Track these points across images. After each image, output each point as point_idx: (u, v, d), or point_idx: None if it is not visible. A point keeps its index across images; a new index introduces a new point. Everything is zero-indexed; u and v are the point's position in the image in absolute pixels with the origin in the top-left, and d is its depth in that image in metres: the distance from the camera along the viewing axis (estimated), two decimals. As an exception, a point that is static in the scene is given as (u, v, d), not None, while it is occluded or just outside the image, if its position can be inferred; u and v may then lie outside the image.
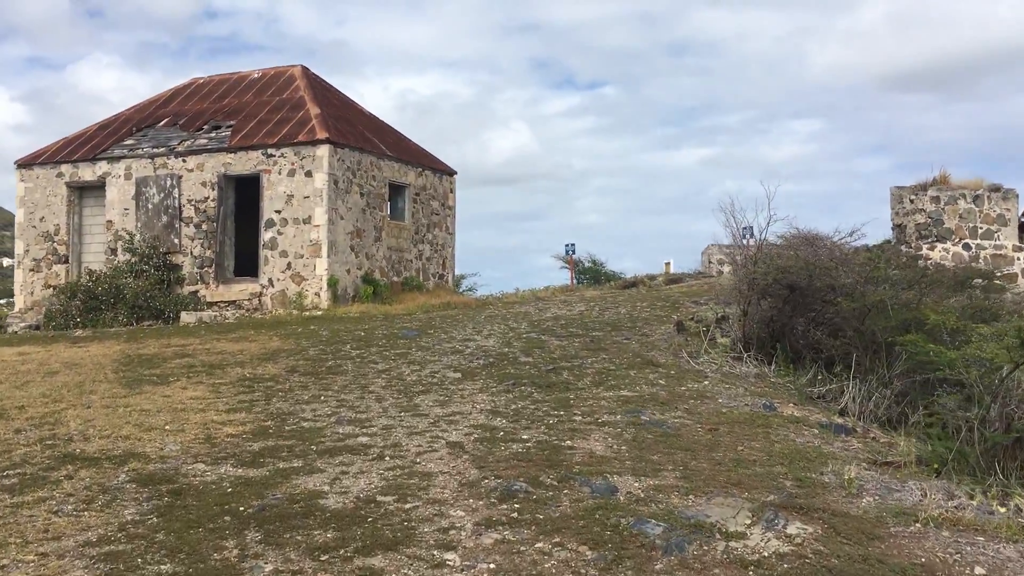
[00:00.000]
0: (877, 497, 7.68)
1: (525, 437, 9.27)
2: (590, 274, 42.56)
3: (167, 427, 9.96)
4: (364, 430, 9.61)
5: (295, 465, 8.39)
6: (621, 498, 7.35)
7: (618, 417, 10.22)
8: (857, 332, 13.41)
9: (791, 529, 6.71)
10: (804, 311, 14.59)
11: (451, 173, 28.53)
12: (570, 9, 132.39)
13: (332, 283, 23.24)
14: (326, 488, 7.68)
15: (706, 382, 12.40)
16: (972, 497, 7.91)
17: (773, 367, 13.82)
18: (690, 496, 7.41)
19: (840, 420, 10.63)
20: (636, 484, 7.71)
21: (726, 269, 41.08)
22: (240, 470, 8.29)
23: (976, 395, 10.90)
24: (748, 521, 6.85)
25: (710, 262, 40.45)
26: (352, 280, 24.11)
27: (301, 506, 7.22)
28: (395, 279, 25.73)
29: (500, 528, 6.66)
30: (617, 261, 42.50)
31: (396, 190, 26.26)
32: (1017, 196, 24.89)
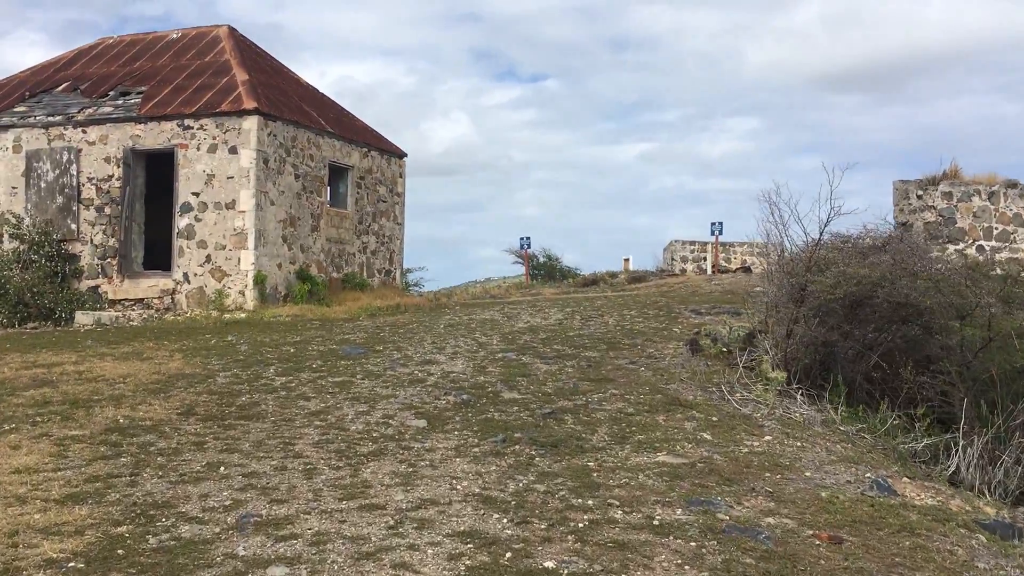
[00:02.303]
0: None
1: (549, 567, 5.43)
2: (545, 269, 38.88)
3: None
4: (281, 547, 5.67)
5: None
6: None
7: (679, 513, 6.44)
8: (964, 368, 9.84)
9: None
10: (863, 335, 10.99)
11: (401, 155, 24.51)
12: (512, 1, 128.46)
13: (260, 280, 19.12)
14: None
15: (768, 437, 8.70)
16: None
17: (833, 406, 10.20)
18: None
19: (1007, 516, 7.00)
20: None
21: (690, 267, 37.76)
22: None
23: None
24: None
25: (673, 259, 37.02)
26: (284, 276, 19.99)
27: None
28: (335, 275, 21.66)
29: None
30: (559, 255, 39.27)
31: (337, 173, 22.18)
32: (1040, 193, 21.76)
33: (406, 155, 24.62)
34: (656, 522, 6.20)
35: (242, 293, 19.07)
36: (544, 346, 13.29)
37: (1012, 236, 21.28)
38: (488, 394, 10.12)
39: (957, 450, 8.75)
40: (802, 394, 10.17)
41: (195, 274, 19.46)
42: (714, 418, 9.27)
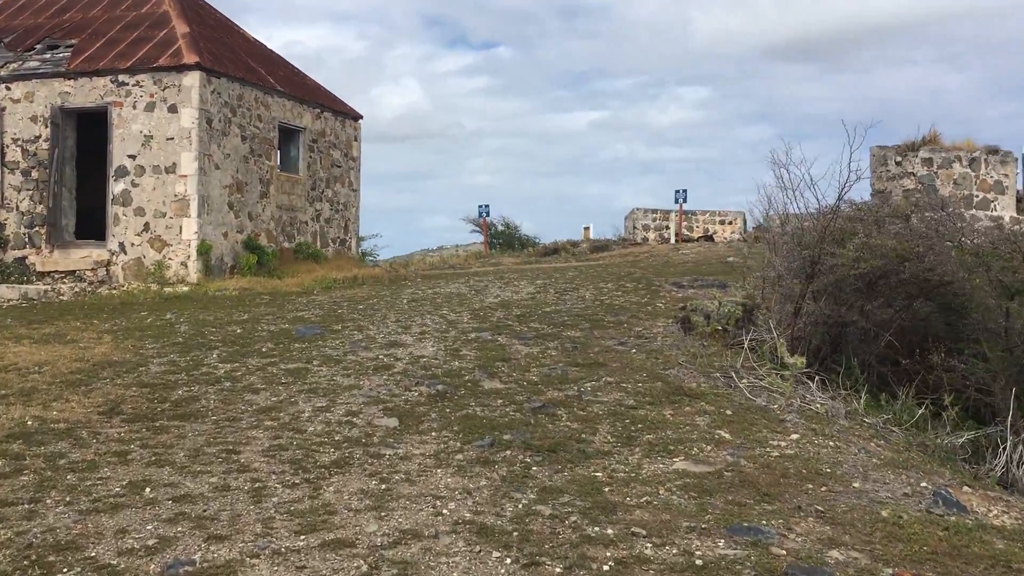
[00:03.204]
0: None
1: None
2: (503, 238, 37.43)
3: None
4: (220, 609, 4.25)
5: None
6: None
7: (721, 545, 5.13)
8: (1007, 353, 8.65)
9: None
10: (877, 312, 9.77)
11: (356, 117, 22.80)
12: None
13: (204, 250, 17.42)
14: None
15: (795, 435, 7.43)
16: None
17: (854, 394, 8.98)
18: None
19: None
20: None
21: (651, 236, 36.59)
22: None
23: None
24: None
25: (635, 227, 35.79)
26: (230, 246, 18.31)
27: None
28: (286, 245, 20.00)
29: None
30: (518, 223, 37.90)
31: (288, 135, 20.45)
32: (1016, 160, 20.86)
33: (362, 117, 22.93)
34: (698, 561, 4.88)
35: (184, 265, 17.37)
36: (520, 324, 11.90)
37: (992, 204, 20.34)
38: (466, 383, 8.72)
39: (1005, 446, 7.56)
40: (818, 381, 8.91)
41: (132, 244, 17.70)
42: (728, 411, 7.98)
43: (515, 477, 6.23)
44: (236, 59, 19.22)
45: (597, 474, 6.35)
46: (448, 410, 7.86)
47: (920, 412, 8.57)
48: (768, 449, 6.99)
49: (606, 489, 6.04)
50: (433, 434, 7.21)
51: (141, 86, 17.70)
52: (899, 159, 20.34)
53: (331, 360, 9.69)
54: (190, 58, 17.46)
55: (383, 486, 6.01)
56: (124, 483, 5.97)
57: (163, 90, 17.56)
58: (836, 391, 9.18)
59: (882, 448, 7.46)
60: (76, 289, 17.24)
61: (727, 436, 7.30)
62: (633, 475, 6.32)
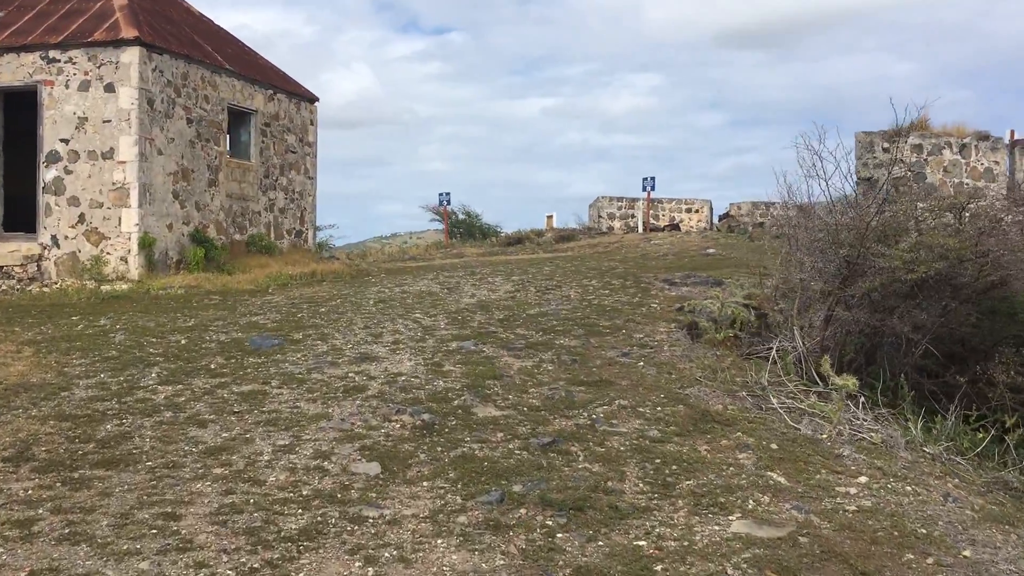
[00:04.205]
0: None
1: None
2: (464, 227, 35.89)
3: None
4: None
5: None
6: None
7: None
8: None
9: None
10: (916, 316, 8.49)
11: (312, 100, 21.07)
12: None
13: (146, 244, 15.67)
14: None
15: (862, 477, 6.10)
16: None
17: (906, 415, 7.70)
18: None
19: None
20: None
21: (617, 225, 35.29)
22: None
23: None
24: None
25: (600, 216, 34.45)
26: (176, 239, 16.57)
27: None
28: (237, 238, 18.28)
29: None
30: (479, 212, 36.42)
31: (238, 118, 18.70)
32: (1006, 147, 19.87)
33: (318, 100, 21.21)
34: None
35: (124, 260, 15.61)
36: (505, 330, 10.45)
37: (983, 193, 19.33)
38: (455, 410, 7.25)
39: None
40: (863, 401, 7.60)
41: (66, 237, 15.89)
42: (772, 444, 6.63)
43: (539, 552, 4.79)
44: (180, 34, 17.42)
45: (640, 543, 4.94)
46: (439, 448, 6.39)
47: (981, 437, 7.30)
48: (839, 500, 5.64)
49: (658, 568, 4.63)
50: (425, 484, 5.75)
51: (74, 63, 15.86)
52: (886, 145, 19.22)
53: (293, 379, 8.15)
54: (128, 32, 15.65)
55: (370, 570, 4.54)
56: (21, 576, 4.42)
57: (99, 67, 15.74)
58: (877, 410, 7.89)
59: (963, 492, 6.16)
60: (3, 287, 15.42)
61: (782, 480, 5.95)
62: (686, 544, 4.93)
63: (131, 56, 15.57)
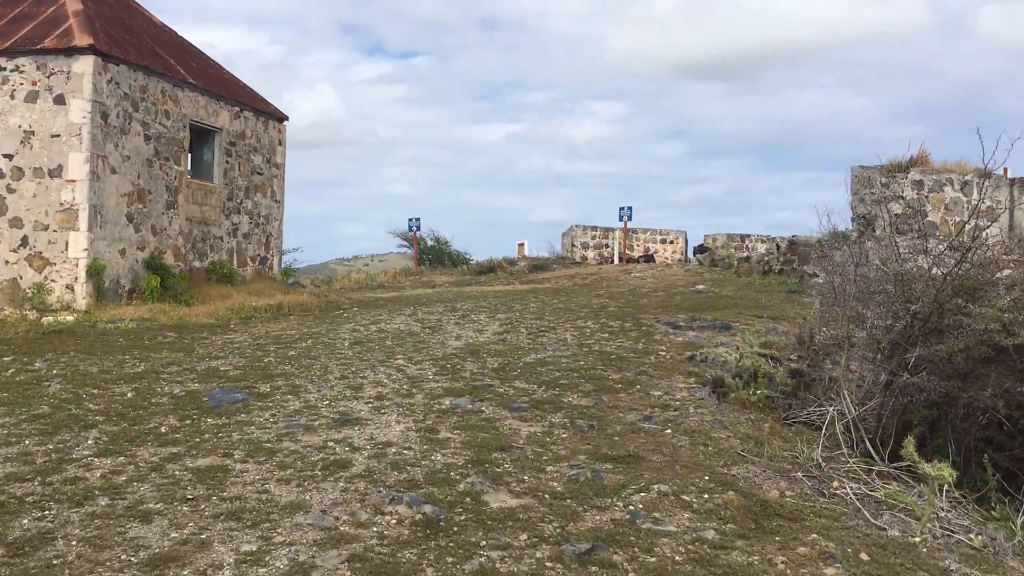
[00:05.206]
0: None
1: None
2: (432, 254, 34.44)
3: None
4: None
5: None
6: None
7: None
8: None
9: None
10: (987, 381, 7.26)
11: (280, 119, 19.58)
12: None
13: (95, 271, 14.06)
14: None
15: (984, 603, 4.79)
16: None
17: (1003, 506, 6.42)
18: None
19: None
20: None
21: (591, 255, 34.03)
22: None
23: None
24: None
25: (573, 245, 33.16)
26: (128, 266, 14.96)
27: None
28: (196, 265, 16.69)
29: None
30: (449, 238, 35.00)
31: (201, 136, 17.17)
32: (1008, 185, 18.97)
33: (287, 118, 19.73)
34: None
35: (71, 288, 13.97)
36: (503, 383, 9.05)
37: (984, 232, 18.36)
38: (462, 498, 5.82)
39: None
40: (947, 489, 6.31)
41: (6, 262, 14.21)
42: (862, 555, 5.29)
43: None
44: (139, 44, 15.89)
45: None
46: (450, 558, 4.96)
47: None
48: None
49: None
50: (439, 619, 4.31)
51: (21, 71, 14.28)
52: (885, 180, 18.21)
53: (260, 450, 6.67)
54: (82, 39, 14.12)
55: None
56: None
57: (48, 77, 14.17)
58: (954, 496, 6.61)
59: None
60: (-68, 316, 13.66)
61: (890, 610, 4.60)
62: None
63: (84, 66, 14.03)
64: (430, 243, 34.89)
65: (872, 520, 5.88)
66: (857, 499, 6.19)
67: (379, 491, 5.85)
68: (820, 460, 6.89)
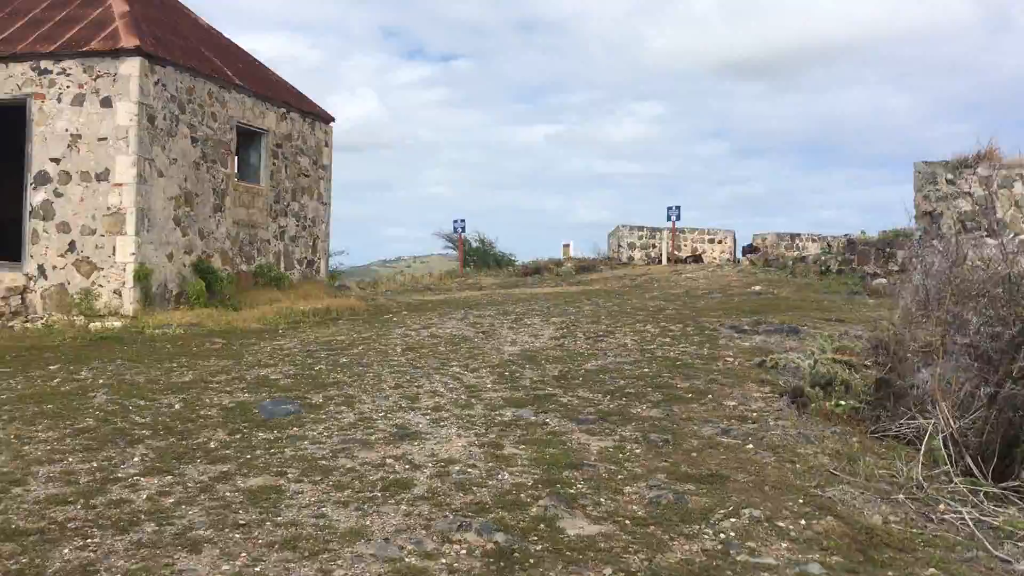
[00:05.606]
0: None
1: None
2: (477, 255, 34.00)
3: None
4: None
5: None
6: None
7: None
8: None
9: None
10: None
11: (327, 120, 19.24)
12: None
13: (142, 275, 13.77)
14: None
15: None
16: None
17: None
18: None
19: None
20: None
21: (637, 255, 33.30)
22: None
23: None
24: None
25: (620, 246, 32.50)
26: (176, 270, 14.67)
27: None
28: (244, 268, 16.38)
29: None
30: (493, 239, 34.58)
31: (248, 138, 16.87)
32: (1081, 180, 18.00)
33: (333, 120, 19.38)
34: None
35: (118, 293, 13.69)
36: (565, 391, 8.52)
37: (1058, 231, 17.45)
38: (536, 524, 5.29)
39: None
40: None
41: (54, 267, 13.98)
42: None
43: None
44: (186, 46, 15.60)
45: None
46: (529, 596, 4.43)
47: None
48: None
49: None
50: (523, 671, 3.78)
51: (68, 74, 14.03)
52: (951, 177, 17.38)
53: (315, 468, 6.20)
54: (128, 41, 13.83)
55: None
56: None
57: (95, 79, 13.91)
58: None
59: None
60: (-19, 323, 13.45)
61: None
62: None
63: (131, 67, 13.74)
64: (474, 244, 34.46)
65: (993, 551, 5.25)
66: (971, 523, 5.56)
67: (445, 516, 5.35)
68: (921, 479, 6.26)
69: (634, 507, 5.64)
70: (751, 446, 6.97)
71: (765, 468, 6.46)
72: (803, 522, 5.49)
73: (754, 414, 7.89)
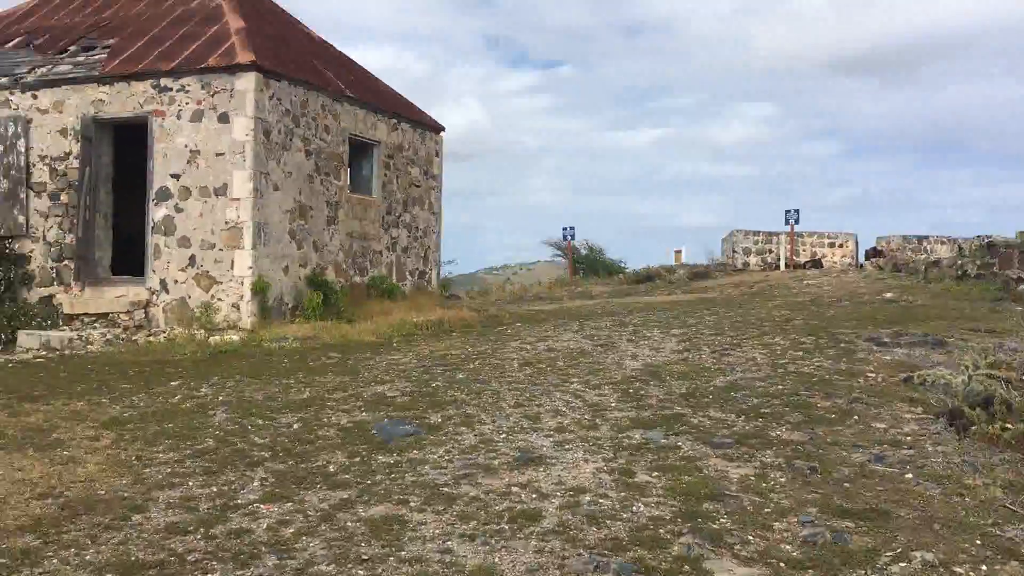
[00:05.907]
0: None
1: None
2: (587, 263, 33.51)
3: None
4: None
5: None
6: None
7: None
8: None
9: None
10: None
11: (438, 129, 19.13)
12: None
13: (260, 289, 13.85)
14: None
15: None
16: None
17: None
18: None
19: None
20: None
21: (752, 261, 32.21)
22: None
23: None
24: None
25: (734, 251, 31.48)
26: (291, 283, 14.72)
27: None
28: (357, 280, 16.36)
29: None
30: (602, 247, 34.10)
31: (360, 149, 16.87)
32: None
33: (443, 129, 19.26)
34: None
35: (236, 307, 13.80)
36: (695, 411, 7.98)
37: None
38: (680, 566, 4.81)
39: None
40: None
41: (175, 281, 14.20)
42: None
43: None
44: (299, 59, 15.68)
45: None
46: (680, 654, 3.95)
47: None
48: None
49: None
50: None
51: (187, 91, 14.24)
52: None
53: (438, 495, 5.87)
54: (244, 57, 13.95)
55: None
56: None
57: (212, 96, 14.07)
58: None
59: None
60: (108, 336, 13.75)
61: None
62: None
63: (247, 83, 13.84)
64: (583, 252, 33.99)
65: None
66: None
67: (579, 554, 4.92)
68: (1118, 519, 5.49)
69: (787, 546, 5.09)
70: (910, 475, 6.30)
71: (930, 502, 5.80)
72: (984, 567, 4.84)
73: (908, 438, 7.19)
